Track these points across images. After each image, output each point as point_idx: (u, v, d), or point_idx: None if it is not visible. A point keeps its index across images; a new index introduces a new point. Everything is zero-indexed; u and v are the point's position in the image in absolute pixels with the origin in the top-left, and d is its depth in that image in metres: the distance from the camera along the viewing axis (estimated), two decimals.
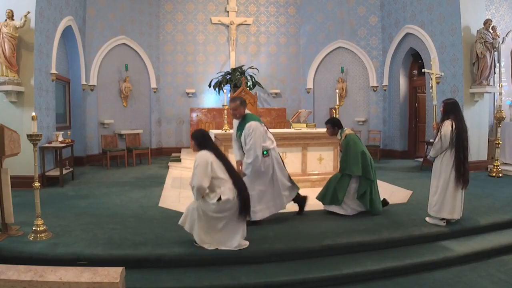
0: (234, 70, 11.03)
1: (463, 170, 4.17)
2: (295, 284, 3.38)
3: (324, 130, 7.26)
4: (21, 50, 6.39)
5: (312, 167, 6.72)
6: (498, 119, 7.58)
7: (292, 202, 4.82)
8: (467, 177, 4.22)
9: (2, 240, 3.85)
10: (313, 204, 5.36)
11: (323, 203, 4.97)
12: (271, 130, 7.65)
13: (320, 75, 11.56)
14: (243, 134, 4.29)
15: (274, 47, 11.80)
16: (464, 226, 4.40)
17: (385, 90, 10.83)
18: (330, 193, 4.82)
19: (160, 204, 5.47)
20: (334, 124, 5.07)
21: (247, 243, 3.74)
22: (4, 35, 6.02)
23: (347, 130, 4.99)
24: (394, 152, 10.53)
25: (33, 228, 3.94)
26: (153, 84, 11.00)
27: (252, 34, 11.70)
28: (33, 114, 3.99)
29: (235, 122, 4.58)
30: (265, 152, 4.38)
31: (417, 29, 9.27)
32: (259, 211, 4.39)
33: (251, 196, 3.92)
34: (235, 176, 3.72)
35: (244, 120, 4.38)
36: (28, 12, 6.21)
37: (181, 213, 5.01)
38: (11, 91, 6.23)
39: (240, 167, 4.41)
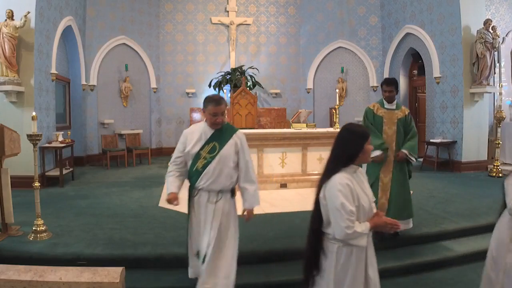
0: (234, 70, 11.03)
1: None
2: (295, 284, 3.37)
3: (324, 130, 7.30)
4: (21, 50, 6.39)
5: (312, 167, 6.72)
6: (498, 119, 7.58)
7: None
8: None
9: (2, 240, 3.85)
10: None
11: (406, 218, 3.96)
12: (271, 130, 7.73)
13: (320, 75, 11.56)
14: (229, 144, 2.88)
15: (274, 47, 11.79)
16: (464, 226, 4.40)
17: None
18: (410, 204, 3.99)
19: (160, 204, 5.47)
20: (397, 87, 4.07)
21: None
22: (4, 35, 6.02)
23: (403, 106, 4.21)
24: None
25: (33, 228, 3.94)
26: (153, 84, 10.99)
27: (252, 34, 11.70)
28: (33, 114, 3.99)
29: (201, 130, 2.94)
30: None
31: (417, 29, 9.26)
32: None
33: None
34: None
35: (226, 126, 2.97)
36: (28, 12, 6.21)
37: (181, 213, 5.04)
38: (11, 91, 6.23)
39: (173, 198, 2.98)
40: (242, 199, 3.00)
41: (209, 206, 2.86)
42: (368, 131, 2.25)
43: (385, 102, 4.06)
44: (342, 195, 2.01)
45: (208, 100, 2.84)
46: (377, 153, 3.87)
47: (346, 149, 2.14)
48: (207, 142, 2.86)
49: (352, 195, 2.04)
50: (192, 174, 2.92)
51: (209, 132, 2.89)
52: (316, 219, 2.17)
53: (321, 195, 2.13)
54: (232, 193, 2.97)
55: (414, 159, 3.96)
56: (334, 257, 2.09)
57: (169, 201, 2.97)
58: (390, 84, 3.98)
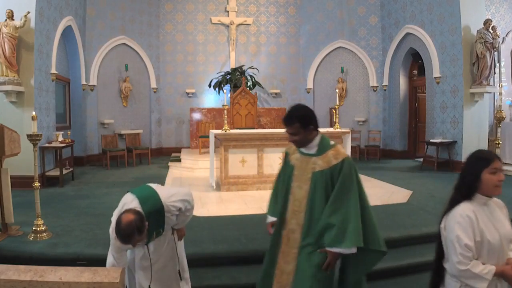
0: (234, 70, 11.03)
1: None
2: None
3: (324, 130, 7.27)
4: (21, 50, 6.39)
5: None
6: (498, 119, 7.57)
7: None
8: None
9: (2, 240, 3.85)
10: None
11: None
12: (271, 130, 7.71)
13: (320, 75, 11.56)
14: (168, 218, 2.57)
15: (274, 47, 11.79)
16: None
17: (385, 90, 10.83)
18: None
19: None
20: (306, 122, 2.24)
21: None
22: (4, 35, 6.02)
23: (339, 146, 2.37)
24: (394, 152, 10.52)
25: (33, 228, 3.94)
26: (153, 84, 11.00)
27: (252, 34, 11.70)
28: (33, 114, 3.98)
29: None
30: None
31: (417, 29, 9.27)
32: None
33: None
34: None
35: (154, 213, 2.49)
36: (28, 12, 6.21)
37: None
38: (11, 91, 6.23)
39: None
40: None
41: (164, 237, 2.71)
42: (489, 156, 1.90)
43: None
44: (460, 227, 1.83)
45: (116, 234, 2.34)
46: (269, 218, 2.58)
47: (465, 177, 1.94)
48: (150, 236, 2.51)
49: (472, 228, 1.82)
50: None
51: None
52: (437, 250, 2.05)
53: (441, 225, 1.98)
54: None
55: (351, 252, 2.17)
56: None
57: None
58: (288, 123, 2.26)
